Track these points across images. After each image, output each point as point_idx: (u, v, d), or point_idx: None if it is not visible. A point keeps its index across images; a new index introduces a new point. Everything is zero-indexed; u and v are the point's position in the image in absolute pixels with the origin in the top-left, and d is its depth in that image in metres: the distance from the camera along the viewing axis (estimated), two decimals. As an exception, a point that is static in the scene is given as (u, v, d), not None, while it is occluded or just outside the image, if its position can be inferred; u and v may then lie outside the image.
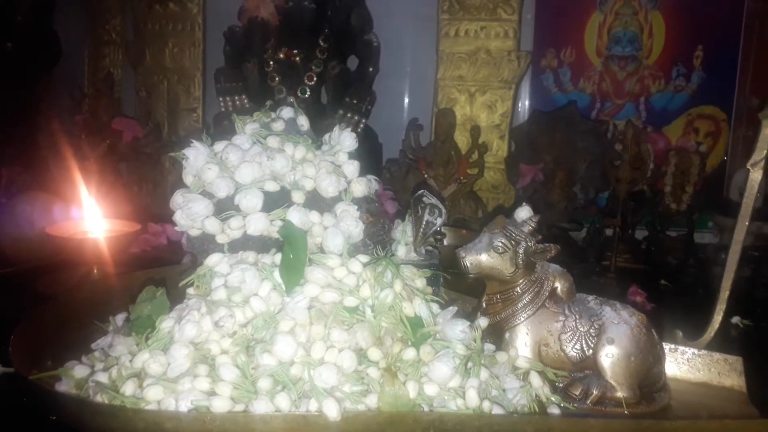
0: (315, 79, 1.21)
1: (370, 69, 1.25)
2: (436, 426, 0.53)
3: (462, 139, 1.28)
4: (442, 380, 0.55)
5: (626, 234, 1.20)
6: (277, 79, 1.21)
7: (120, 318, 0.71)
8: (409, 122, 1.27)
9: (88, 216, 0.96)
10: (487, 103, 1.29)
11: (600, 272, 1.11)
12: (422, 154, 1.19)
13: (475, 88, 1.29)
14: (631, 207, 1.14)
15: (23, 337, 0.63)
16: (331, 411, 0.50)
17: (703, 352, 0.72)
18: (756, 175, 0.73)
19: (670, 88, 1.36)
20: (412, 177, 1.16)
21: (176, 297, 0.63)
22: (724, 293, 0.74)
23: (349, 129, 0.66)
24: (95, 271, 0.94)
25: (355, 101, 1.21)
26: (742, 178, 1.18)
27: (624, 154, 1.07)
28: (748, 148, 1.31)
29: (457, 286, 0.77)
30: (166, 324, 0.57)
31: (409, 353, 0.55)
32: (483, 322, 0.65)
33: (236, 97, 1.21)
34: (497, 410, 0.55)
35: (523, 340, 0.67)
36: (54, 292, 0.87)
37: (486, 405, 0.54)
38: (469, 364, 0.58)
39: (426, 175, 1.17)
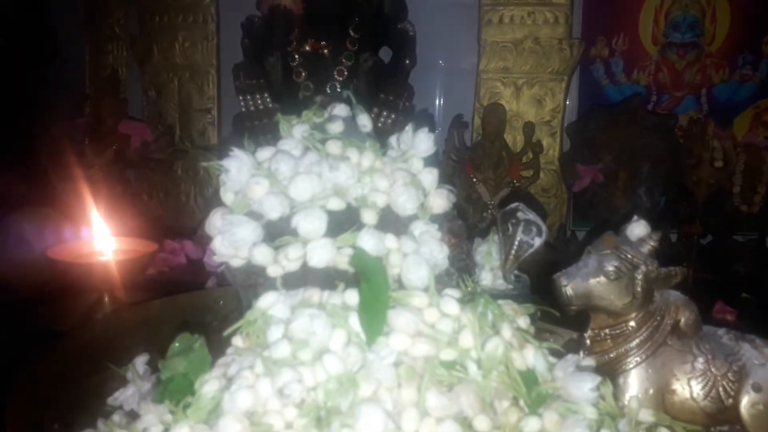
0: (346, 73, 1.08)
1: (407, 61, 1.12)
2: None
3: (508, 138, 1.15)
4: (574, 457, 0.42)
5: (698, 242, 1.07)
6: (303, 74, 1.08)
7: (140, 362, 0.58)
8: (453, 120, 1.14)
9: (97, 235, 0.82)
10: (536, 97, 1.16)
11: (676, 286, 0.98)
12: (468, 155, 1.06)
13: (522, 80, 1.16)
14: (707, 211, 1.01)
15: (22, 397, 0.50)
16: None
17: None
18: None
19: (735, 77, 1.23)
20: (458, 181, 1.04)
21: (207, 334, 0.50)
22: None
23: (426, 130, 0.53)
24: (106, 299, 0.81)
25: (391, 97, 1.08)
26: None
27: (703, 152, 0.94)
28: (825, 142, 1.19)
29: (548, 316, 0.64)
30: (209, 387, 0.44)
31: (532, 424, 0.42)
32: (588, 363, 0.52)
33: (258, 96, 1.08)
34: (645, 493, 0.42)
35: (642, 387, 0.55)
36: (58, 326, 0.74)
37: (635, 490, 0.41)
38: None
39: (474, 179, 1.04)
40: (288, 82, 1.09)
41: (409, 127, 0.54)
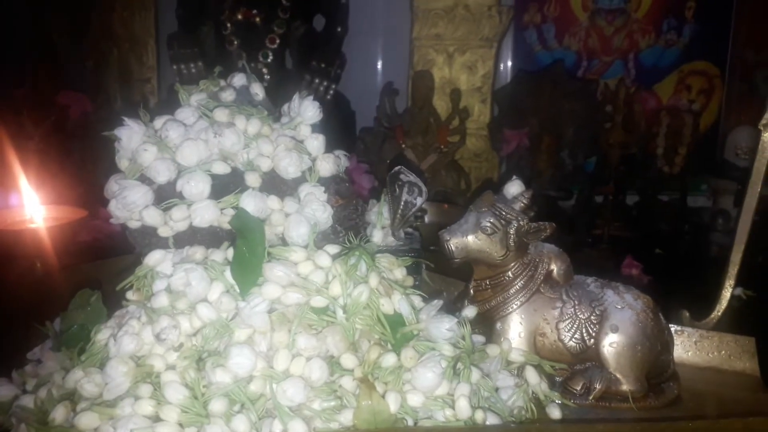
0: (278, 41, 1.10)
1: (338, 29, 1.14)
2: (421, 442, 0.46)
3: (441, 104, 1.18)
4: (427, 388, 0.47)
5: (617, 201, 1.13)
6: (235, 42, 1.10)
7: (59, 321, 0.62)
8: (384, 87, 1.17)
9: (28, 203, 0.85)
10: (467, 64, 1.19)
11: (592, 243, 1.05)
12: (399, 122, 1.10)
13: (454, 47, 1.19)
14: (622, 172, 1.06)
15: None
16: (299, 434, 0.43)
17: (712, 333, 0.66)
18: (768, 136, 0.66)
19: (660, 42, 1.28)
20: (389, 147, 1.07)
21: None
22: (734, 268, 0.68)
23: (312, 96, 0.57)
24: (38, 265, 0.84)
25: (323, 65, 1.11)
26: (739, 137, 1.12)
27: (616, 115, 0.99)
28: (743, 105, 1.25)
29: (442, 269, 0.69)
30: (101, 335, 0.49)
31: (389, 359, 0.48)
32: (471, 311, 0.58)
33: (192, 64, 1.10)
34: (492, 419, 0.48)
35: (516, 331, 0.60)
36: (-10, 292, 0.77)
37: (479, 415, 0.47)
38: (459, 366, 0.50)
39: (403, 145, 1.08)
40: (221, 51, 1.11)
41: (296, 96, 0.58)
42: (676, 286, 0.96)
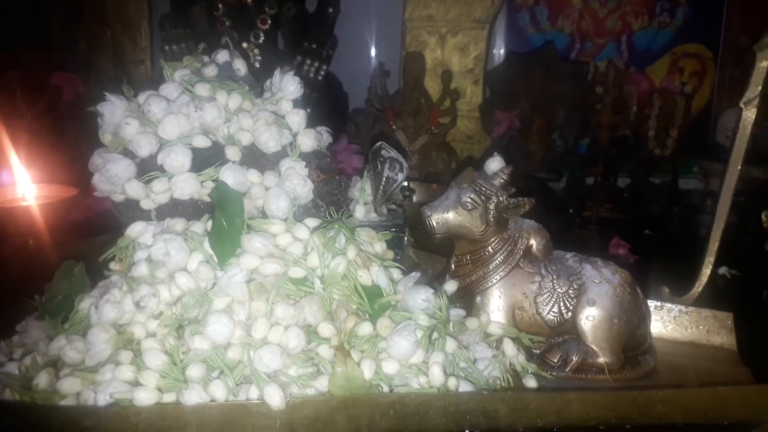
0: (269, 22, 1.10)
1: (330, 10, 1.14)
2: (396, 408, 0.47)
3: (433, 86, 1.18)
4: (402, 356, 0.49)
5: (608, 183, 1.14)
6: (227, 23, 1.10)
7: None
8: (375, 68, 1.17)
9: (20, 181, 0.86)
10: (459, 46, 1.19)
11: (581, 224, 1.06)
12: (390, 103, 1.10)
13: (446, 29, 1.19)
14: (612, 154, 1.07)
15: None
16: (274, 399, 0.44)
17: (691, 308, 0.67)
18: (749, 114, 0.66)
19: (653, 24, 1.27)
20: (380, 128, 1.08)
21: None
22: (714, 244, 0.68)
23: (294, 73, 0.57)
24: (30, 242, 0.85)
25: (314, 46, 1.11)
26: (729, 120, 1.12)
27: (605, 97, 1.00)
28: (735, 88, 1.25)
29: (426, 246, 0.70)
30: (84, 304, 0.50)
31: (365, 328, 0.49)
32: (451, 285, 0.59)
33: (183, 45, 1.10)
34: (465, 386, 0.49)
35: (495, 304, 0.61)
36: (-17, 268, 0.79)
37: (452, 382, 0.48)
38: (434, 336, 0.51)
39: (394, 126, 1.09)
40: (213, 31, 1.11)
41: (277, 71, 0.58)
42: (662, 265, 0.97)
